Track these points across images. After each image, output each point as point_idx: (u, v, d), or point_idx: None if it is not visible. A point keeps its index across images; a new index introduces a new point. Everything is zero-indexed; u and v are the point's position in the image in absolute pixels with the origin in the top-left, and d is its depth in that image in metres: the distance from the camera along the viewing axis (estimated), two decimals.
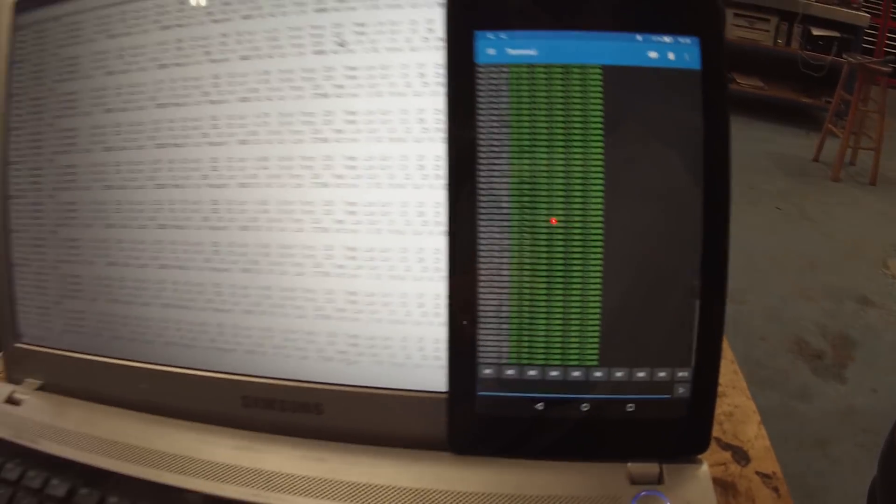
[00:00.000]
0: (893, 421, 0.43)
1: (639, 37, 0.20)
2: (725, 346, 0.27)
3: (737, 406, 0.26)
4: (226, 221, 0.24)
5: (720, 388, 0.25)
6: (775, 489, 0.22)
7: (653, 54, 0.20)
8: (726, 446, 0.23)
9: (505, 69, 0.21)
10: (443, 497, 0.21)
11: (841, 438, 1.11)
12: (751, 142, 2.49)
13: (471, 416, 0.22)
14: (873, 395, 1.19)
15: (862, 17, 2.34)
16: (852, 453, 1.06)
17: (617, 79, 0.21)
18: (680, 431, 0.21)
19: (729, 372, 0.28)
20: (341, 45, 0.23)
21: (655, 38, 0.20)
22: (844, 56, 2.18)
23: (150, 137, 0.25)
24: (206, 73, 0.24)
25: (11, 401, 0.29)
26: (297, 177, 0.23)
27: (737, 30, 2.49)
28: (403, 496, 0.22)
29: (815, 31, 2.40)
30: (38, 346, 0.29)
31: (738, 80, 2.56)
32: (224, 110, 0.24)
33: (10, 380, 0.30)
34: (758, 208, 2.03)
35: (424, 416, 0.23)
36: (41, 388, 0.29)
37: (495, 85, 0.21)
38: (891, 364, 1.30)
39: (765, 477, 0.22)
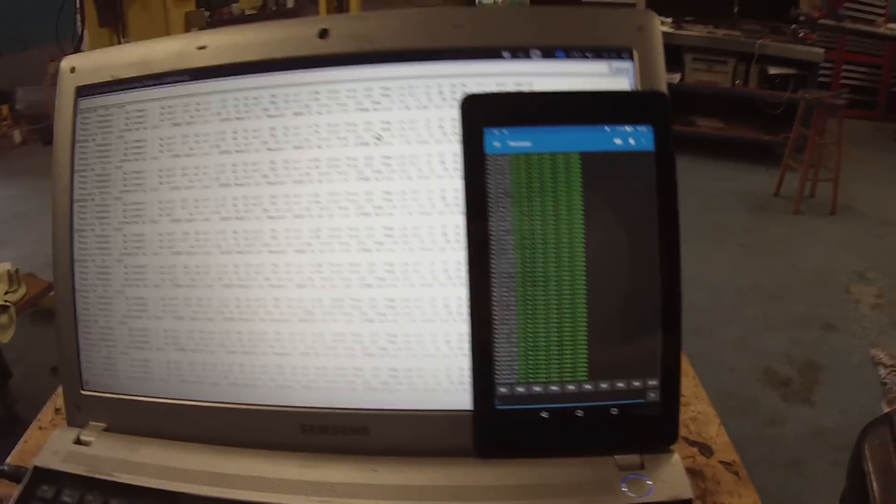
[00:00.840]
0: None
1: (607, 128, 0.28)
2: (686, 364, 0.34)
3: (700, 412, 0.33)
4: (284, 280, 0.30)
5: (685, 399, 0.32)
6: (736, 473, 0.29)
7: (618, 140, 0.28)
8: (693, 443, 0.30)
9: (507, 157, 0.28)
10: (475, 491, 0.27)
11: (813, 458, 1.18)
12: (714, 181, 2.55)
13: (491, 426, 0.28)
14: (843, 416, 1.26)
15: (816, 52, 2.41)
16: (825, 471, 1.12)
17: (592, 161, 0.28)
18: (654, 428, 0.28)
19: (692, 386, 0.35)
20: (378, 138, 0.29)
21: (619, 128, 0.28)
22: (800, 92, 2.27)
23: (215, 211, 0.30)
24: (264, 160, 0.30)
25: (80, 442, 0.33)
26: (345, 244, 0.29)
27: (696, 73, 2.56)
28: (444, 492, 0.28)
29: (772, 70, 2.50)
30: (102, 392, 0.33)
31: (699, 123, 2.64)
32: (281, 190, 0.30)
33: (74, 424, 0.34)
34: (723, 245, 2.10)
35: (453, 430, 0.29)
36: (106, 430, 0.33)
37: (500, 169, 0.28)
38: (857, 385, 1.37)
39: (727, 465, 0.30)
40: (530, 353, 0.28)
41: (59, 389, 0.41)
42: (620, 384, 0.28)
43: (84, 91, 0.33)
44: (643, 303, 0.28)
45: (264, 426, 0.31)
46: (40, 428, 0.38)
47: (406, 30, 0.29)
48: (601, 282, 0.28)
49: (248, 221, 0.30)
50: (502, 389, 0.28)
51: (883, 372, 1.38)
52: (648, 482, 0.27)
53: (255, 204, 0.30)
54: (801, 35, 2.46)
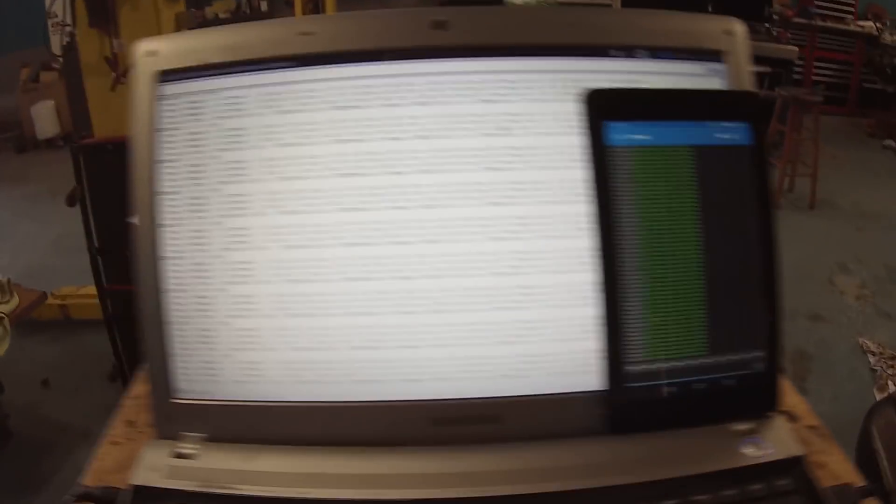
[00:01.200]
0: (858, 423, 0.52)
1: (712, 124, 0.30)
2: None
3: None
4: (414, 272, 0.29)
5: None
6: (822, 435, 0.33)
7: (721, 135, 0.31)
8: (780, 412, 0.34)
9: (628, 149, 0.30)
10: (610, 466, 0.29)
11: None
12: None
13: (622, 403, 0.30)
14: (834, 402, 1.32)
15: (792, 50, 2.47)
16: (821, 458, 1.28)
17: (701, 153, 0.30)
18: (760, 395, 0.31)
19: None
20: (504, 130, 0.30)
21: (723, 124, 0.31)
22: (776, 89, 2.34)
23: (334, 203, 0.30)
24: (384, 149, 0.30)
25: (181, 455, 0.30)
26: (476, 232, 0.29)
27: None
28: (581, 471, 0.29)
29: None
30: (201, 399, 0.31)
31: None
32: (406, 180, 0.29)
33: (165, 436, 0.31)
34: None
35: (581, 410, 0.30)
36: (208, 440, 0.31)
37: (622, 160, 0.30)
38: (847, 372, 1.46)
39: (811, 428, 0.33)
40: (655, 332, 0.30)
41: (126, 399, 0.38)
42: (733, 357, 0.31)
43: (166, 76, 0.31)
44: (750, 281, 0.31)
45: (393, 422, 0.30)
46: (113, 443, 0.34)
47: (523, 26, 0.30)
48: (713, 263, 0.30)
49: (372, 213, 0.29)
50: (631, 367, 0.30)
51: (872, 359, 1.46)
52: (764, 444, 0.30)
53: (378, 194, 0.29)
54: (775, 33, 2.54)
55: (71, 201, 1.22)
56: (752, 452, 0.29)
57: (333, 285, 0.30)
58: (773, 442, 0.30)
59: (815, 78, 3.17)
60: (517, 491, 0.28)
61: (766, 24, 2.60)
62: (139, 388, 0.38)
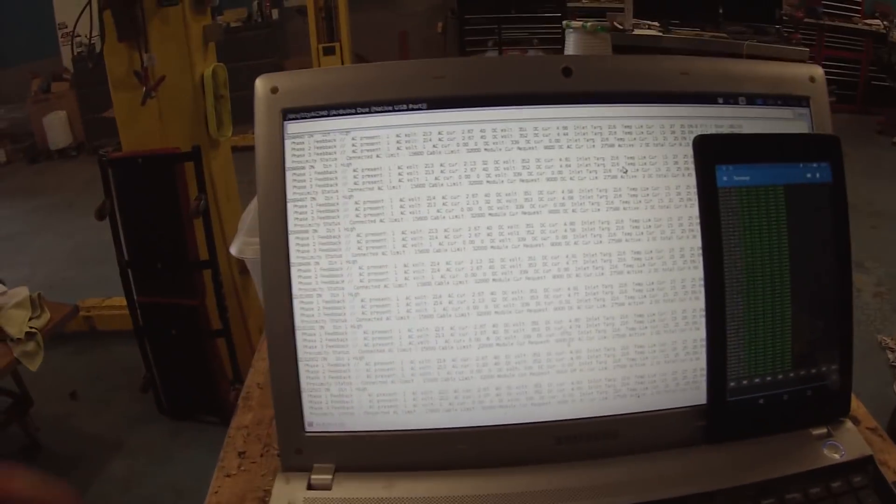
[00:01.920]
0: (878, 418, 0.58)
1: (801, 165, 0.35)
2: None
3: None
4: (543, 305, 0.32)
5: None
6: (880, 436, 0.38)
7: (808, 175, 0.35)
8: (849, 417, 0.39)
9: (734, 189, 0.33)
10: (713, 471, 0.33)
11: None
12: None
13: (723, 416, 0.34)
14: (855, 400, 1.47)
15: (802, 51, 2.45)
16: None
17: (792, 191, 0.34)
18: (834, 403, 0.36)
19: None
20: (625, 172, 0.32)
21: (808, 164, 0.35)
22: None
23: (469, 241, 0.31)
24: (518, 190, 0.32)
25: (315, 486, 0.32)
26: (600, 268, 0.32)
27: None
28: (687, 478, 0.32)
29: None
30: (331, 431, 0.32)
31: None
32: (537, 219, 0.32)
33: (293, 468, 0.32)
34: None
35: (686, 423, 0.34)
36: (337, 470, 0.32)
37: (729, 200, 0.33)
38: (867, 370, 1.45)
39: (871, 430, 0.39)
40: (751, 351, 0.34)
41: (231, 430, 0.38)
42: (813, 370, 0.35)
43: (292, 114, 0.32)
44: (828, 304, 0.35)
45: (519, 443, 0.33)
46: (228, 476, 0.35)
47: (640, 74, 0.33)
48: (800, 288, 0.34)
49: (505, 250, 0.32)
50: (732, 384, 0.34)
51: (891, 356, 1.48)
52: (840, 446, 0.34)
53: (511, 233, 0.32)
54: (785, 35, 2.57)
55: (100, 215, 1.17)
56: (831, 454, 0.34)
57: (467, 319, 0.32)
58: (846, 444, 0.35)
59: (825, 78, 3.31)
60: (634, 500, 0.32)
61: (777, 27, 2.60)
62: (244, 418, 0.38)
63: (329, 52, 2.22)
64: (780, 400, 0.35)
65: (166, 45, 1.15)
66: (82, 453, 1.36)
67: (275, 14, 4.30)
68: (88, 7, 1.12)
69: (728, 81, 0.34)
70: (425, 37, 4.07)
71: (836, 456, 0.34)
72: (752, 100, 0.35)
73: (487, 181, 0.32)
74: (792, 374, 0.35)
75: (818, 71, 0.36)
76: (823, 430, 0.35)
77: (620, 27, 2.25)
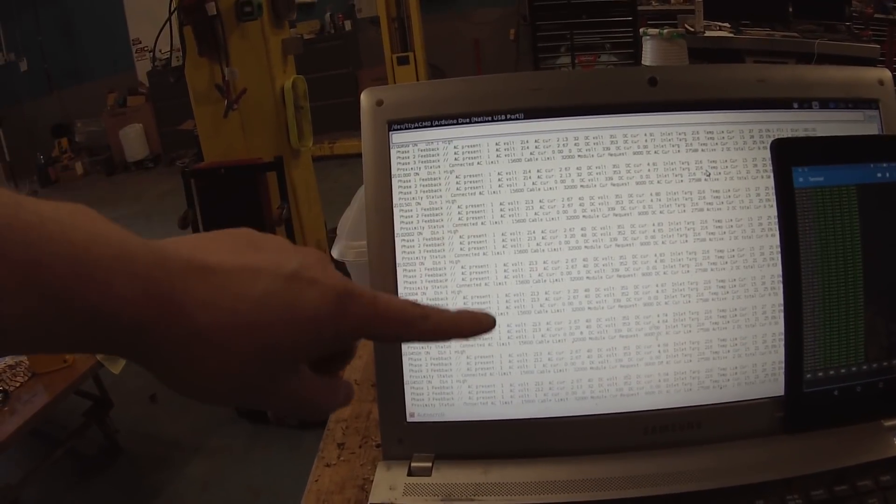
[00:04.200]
0: None
1: (873, 165, 0.38)
2: None
3: None
4: (633, 301, 0.35)
5: None
6: None
7: (879, 174, 0.38)
8: None
9: (810, 190, 0.36)
10: (793, 459, 0.36)
11: None
12: None
13: (799, 406, 0.37)
14: None
15: (873, 48, 2.47)
16: None
17: (864, 190, 0.38)
18: None
19: None
20: (707, 175, 0.36)
21: (880, 165, 0.38)
22: None
23: (564, 242, 0.35)
24: (610, 193, 0.35)
25: (415, 473, 0.35)
26: (686, 265, 0.35)
27: None
28: (772, 462, 0.36)
29: None
30: (432, 421, 0.36)
31: None
32: (627, 221, 0.35)
33: (394, 457, 0.36)
34: None
35: (764, 414, 0.37)
36: (437, 458, 0.36)
37: (805, 199, 0.36)
38: None
39: None
40: (826, 344, 0.37)
41: (330, 423, 0.41)
42: (885, 363, 0.38)
43: (397, 125, 0.35)
44: None
45: (610, 433, 0.36)
46: (327, 465, 0.38)
47: (720, 82, 0.36)
48: (873, 284, 0.38)
49: (598, 250, 0.35)
50: (808, 376, 0.37)
51: None
52: None
53: (603, 234, 0.35)
54: (856, 32, 2.57)
55: (183, 223, 1.23)
56: None
57: (562, 314, 0.35)
58: None
59: None
60: (716, 486, 0.35)
61: (847, 23, 2.61)
62: (342, 412, 0.42)
63: (403, 61, 2.26)
64: (853, 392, 0.38)
65: (246, 59, 1.21)
66: (161, 455, 1.41)
67: (348, 25, 4.38)
68: (168, 23, 1.17)
69: (802, 87, 0.37)
70: (498, 44, 4.12)
71: None
72: (824, 104, 0.38)
73: (581, 185, 0.35)
74: (865, 367, 0.38)
75: (886, 74, 0.39)
76: (894, 421, 0.38)
77: (692, 29, 2.27)
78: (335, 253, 0.46)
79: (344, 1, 4.37)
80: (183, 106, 1.25)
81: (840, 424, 0.38)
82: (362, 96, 0.36)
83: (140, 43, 4.42)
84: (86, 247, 0.16)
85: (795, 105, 0.37)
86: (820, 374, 0.37)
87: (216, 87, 1.19)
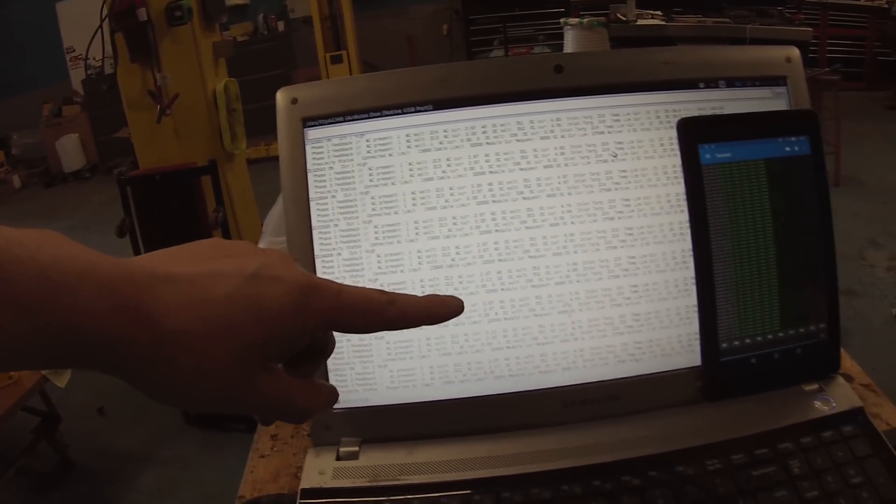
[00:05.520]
0: None
1: (780, 139, 0.39)
2: None
3: None
4: (545, 280, 0.37)
5: None
6: (874, 391, 0.43)
7: (787, 148, 0.40)
8: (840, 374, 0.43)
9: (717, 166, 0.38)
10: (710, 427, 0.38)
11: None
12: None
13: (717, 375, 0.39)
14: (874, 374, 1.53)
15: (805, 31, 2.56)
16: None
17: (772, 164, 0.39)
18: (824, 359, 0.40)
19: None
20: (614, 156, 0.38)
21: (787, 139, 0.40)
22: None
23: (475, 226, 0.37)
24: (518, 178, 0.37)
25: (343, 457, 0.37)
26: (595, 244, 0.37)
27: None
28: (685, 433, 0.37)
29: None
30: (356, 407, 0.38)
31: None
32: (536, 203, 0.37)
33: (323, 443, 0.38)
34: None
35: (684, 384, 0.39)
36: (363, 442, 0.38)
37: (712, 175, 0.38)
38: (883, 344, 1.54)
39: (865, 386, 0.43)
40: (740, 314, 0.39)
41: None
42: (802, 329, 0.40)
43: (311, 121, 0.37)
44: (812, 268, 0.40)
45: (529, 409, 0.38)
46: (262, 456, 0.41)
47: (626, 66, 0.38)
48: (785, 254, 0.39)
49: (508, 233, 0.37)
50: (724, 345, 0.39)
51: None
52: (831, 399, 0.39)
53: (513, 217, 0.37)
54: (788, 16, 2.67)
55: (120, 232, 1.26)
56: (822, 407, 0.39)
57: (476, 297, 0.37)
58: (837, 397, 0.39)
59: (829, 55, 3.28)
60: (636, 454, 0.37)
61: (780, 8, 2.69)
62: None
63: (336, 60, 2.30)
64: (771, 359, 0.40)
65: (178, 64, 1.23)
66: (113, 468, 1.44)
67: (280, 26, 4.41)
68: (100, 31, 1.20)
69: (708, 67, 0.39)
70: (432, 40, 4.16)
71: (827, 408, 0.39)
72: (731, 83, 0.39)
73: (490, 172, 0.37)
74: (781, 335, 0.40)
75: (794, 52, 0.41)
76: (815, 386, 0.40)
77: (623, 18, 2.30)
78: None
79: (276, 2, 4.38)
80: (118, 114, 1.28)
81: (760, 391, 0.39)
82: (277, 95, 0.38)
83: (74, 51, 4.34)
84: (52, 265, 0.17)
85: (702, 85, 0.39)
86: (736, 343, 0.39)
87: (149, 93, 1.21)
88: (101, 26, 1.18)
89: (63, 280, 0.17)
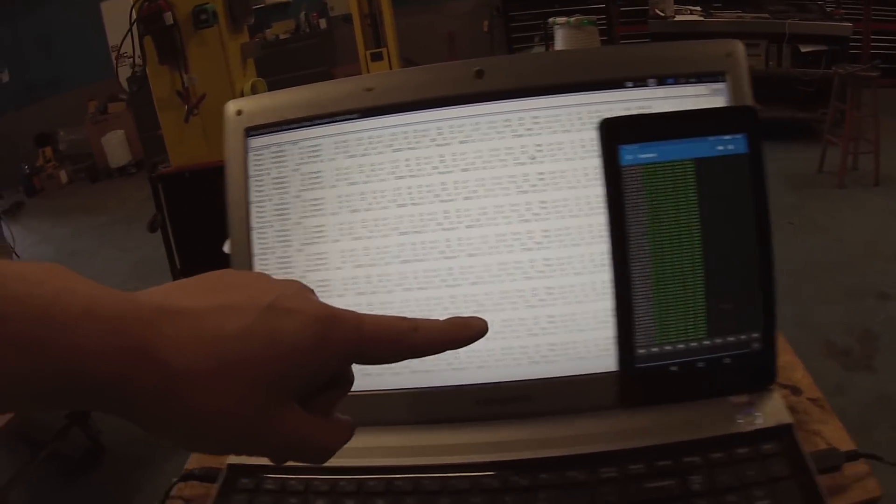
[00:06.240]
0: None
1: (712, 138, 0.38)
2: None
3: (787, 361, 0.45)
4: (460, 280, 0.39)
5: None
6: (821, 406, 0.41)
7: (720, 147, 0.39)
8: (784, 386, 0.42)
9: (638, 168, 0.38)
10: (622, 434, 0.38)
11: (880, 422, 1.28)
12: None
13: (633, 381, 0.39)
14: None
15: (845, 27, 2.59)
16: (894, 435, 1.22)
17: (702, 164, 0.38)
18: (757, 371, 0.39)
19: (779, 340, 0.46)
20: (532, 158, 0.39)
21: (721, 137, 0.39)
22: (833, 67, 2.44)
23: (394, 228, 0.40)
24: (436, 181, 0.39)
25: None
26: (510, 245, 0.39)
27: None
28: (596, 438, 0.38)
29: (804, 48, 2.67)
30: None
31: None
32: (453, 206, 0.39)
33: None
34: (774, 225, 2.31)
35: (599, 388, 0.39)
36: None
37: (633, 177, 0.38)
38: None
39: (813, 400, 0.42)
40: (661, 320, 0.39)
41: None
42: (731, 339, 0.39)
43: (253, 131, 0.42)
44: (746, 273, 0.39)
45: (442, 404, 0.40)
46: None
47: (548, 68, 0.39)
48: (714, 259, 0.39)
49: (425, 234, 0.39)
50: (641, 351, 0.39)
51: None
52: (757, 414, 0.38)
53: (430, 219, 0.39)
54: (828, 11, 2.61)
55: (152, 227, 1.39)
56: (744, 421, 0.38)
57: (394, 295, 0.40)
58: (766, 412, 0.38)
59: (873, 52, 3.13)
60: (544, 455, 0.38)
61: (819, 2, 2.63)
62: None
63: (377, 57, 2.36)
64: (694, 367, 0.39)
65: (205, 65, 1.33)
66: (143, 454, 1.51)
67: (322, 24, 4.54)
68: (130, 34, 1.33)
69: (636, 66, 0.39)
70: (472, 36, 4.16)
71: (750, 423, 0.38)
72: (662, 80, 0.39)
73: (409, 176, 0.39)
74: (708, 343, 0.39)
75: (737, 46, 0.39)
76: (744, 399, 0.39)
77: (662, 14, 2.23)
78: (225, 248, 0.53)
79: (318, 0, 4.44)
80: None
81: (680, 400, 0.39)
82: (226, 107, 0.42)
83: (116, 49, 4.59)
84: (53, 302, 0.16)
85: (629, 84, 0.39)
86: (655, 349, 0.39)
87: (177, 93, 1.30)
88: (130, 30, 1.30)
89: (65, 318, 0.16)
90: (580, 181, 0.39)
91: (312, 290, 0.23)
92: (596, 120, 0.38)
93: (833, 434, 0.39)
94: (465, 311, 0.39)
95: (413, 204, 0.39)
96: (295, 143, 0.41)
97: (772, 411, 0.38)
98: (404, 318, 0.22)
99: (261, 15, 4.14)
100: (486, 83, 0.39)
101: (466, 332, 0.24)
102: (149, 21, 1.23)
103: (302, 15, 4.52)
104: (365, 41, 2.32)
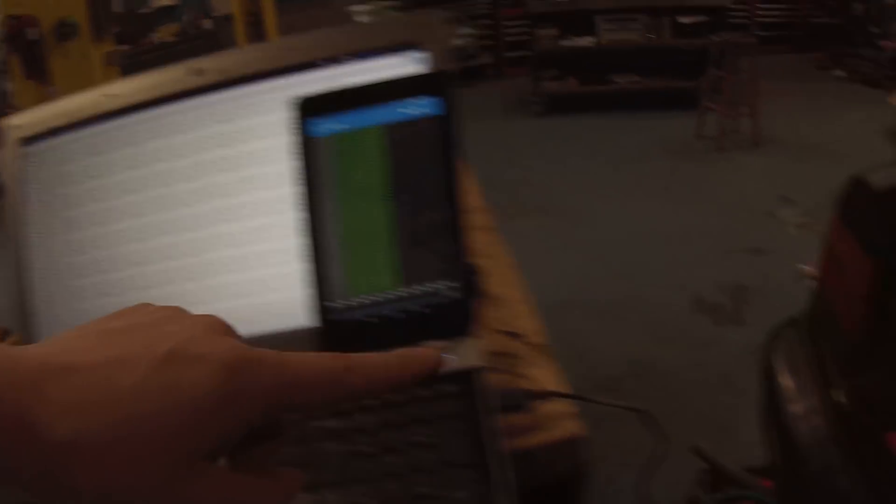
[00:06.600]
0: None
1: (403, 102, 0.42)
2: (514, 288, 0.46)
3: (519, 311, 0.44)
4: (176, 256, 0.42)
5: (504, 300, 0.43)
6: (541, 352, 0.39)
7: (412, 111, 0.42)
8: (508, 333, 0.41)
9: (326, 137, 0.42)
10: None
11: (745, 372, 1.22)
12: (634, 133, 2.89)
13: (330, 335, 0.39)
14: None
15: None
16: (757, 382, 1.23)
17: (392, 128, 0.41)
18: (457, 320, 0.39)
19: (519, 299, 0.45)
20: (234, 141, 0.43)
21: (412, 101, 0.42)
22: (711, 37, 2.60)
23: (123, 215, 0.44)
24: (153, 172, 0.44)
25: None
26: (214, 218, 0.42)
27: (609, 34, 2.83)
28: None
29: (682, 20, 2.83)
30: None
31: (616, 80, 2.90)
32: (169, 190, 0.43)
33: None
34: (647, 192, 2.22)
35: (305, 343, 0.39)
36: None
37: (322, 147, 0.41)
38: (787, 301, 1.41)
39: (533, 346, 0.40)
40: (353, 275, 0.40)
41: None
42: (427, 289, 0.39)
43: (25, 141, 0.48)
44: (438, 228, 0.40)
45: None
46: None
47: (254, 58, 0.44)
48: (407, 213, 0.40)
49: (144, 218, 0.43)
50: (331, 304, 0.39)
51: (812, 285, 1.48)
52: (453, 358, 0.37)
53: (150, 204, 0.43)
54: None
55: None
56: None
57: (126, 272, 0.43)
58: (463, 357, 0.37)
59: (760, 19, 3.36)
60: None
61: None
62: None
63: None
64: (392, 318, 0.39)
65: (70, 76, 1.44)
66: None
67: (207, 23, 4.26)
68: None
69: (331, 46, 0.44)
70: None
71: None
72: (358, 55, 0.43)
73: (129, 168, 0.44)
74: (405, 294, 0.39)
75: (433, 18, 0.44)
76: (443, 346, 0.38)
77: None
78: None
79: (200, 2, 4.35)
80: None
81: (381, 348, 0.38)
82: (7, 123, 0.50)
83: None
84: None
85: (322, 64, 0.43)
86: (352, 302, 0.39)
87: None
88: None
89: None
90: (281, 157, 0.42)
91: (230, 327, 0.21)
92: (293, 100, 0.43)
93: (545, 376, 0.37)
94: (178, 281, 0.42)
95: (132, 191, 0.44)
96: (54, 148, 0.47)
97: (468, 355, 0.37)
98: (336, 356, 0.20)
99: (146, 21, 4.04)
100: (204, 78, 0.45)
101: (416, 364, 0.22)
102: (12, 39, 1.34)
103: (185, 18, 4.36)
104: (248, 39, 2.35)
